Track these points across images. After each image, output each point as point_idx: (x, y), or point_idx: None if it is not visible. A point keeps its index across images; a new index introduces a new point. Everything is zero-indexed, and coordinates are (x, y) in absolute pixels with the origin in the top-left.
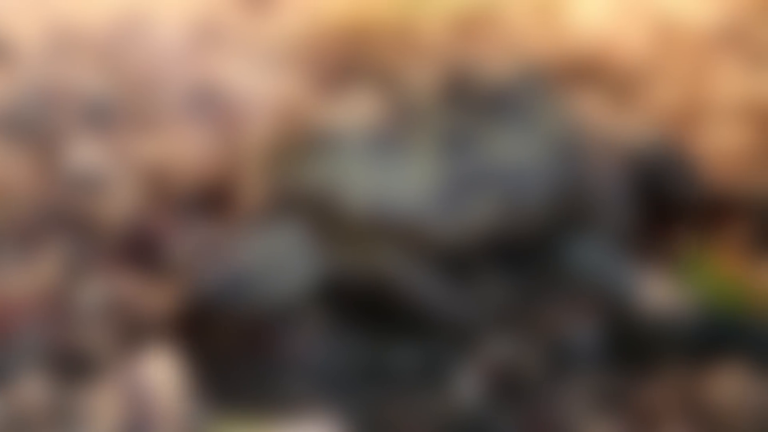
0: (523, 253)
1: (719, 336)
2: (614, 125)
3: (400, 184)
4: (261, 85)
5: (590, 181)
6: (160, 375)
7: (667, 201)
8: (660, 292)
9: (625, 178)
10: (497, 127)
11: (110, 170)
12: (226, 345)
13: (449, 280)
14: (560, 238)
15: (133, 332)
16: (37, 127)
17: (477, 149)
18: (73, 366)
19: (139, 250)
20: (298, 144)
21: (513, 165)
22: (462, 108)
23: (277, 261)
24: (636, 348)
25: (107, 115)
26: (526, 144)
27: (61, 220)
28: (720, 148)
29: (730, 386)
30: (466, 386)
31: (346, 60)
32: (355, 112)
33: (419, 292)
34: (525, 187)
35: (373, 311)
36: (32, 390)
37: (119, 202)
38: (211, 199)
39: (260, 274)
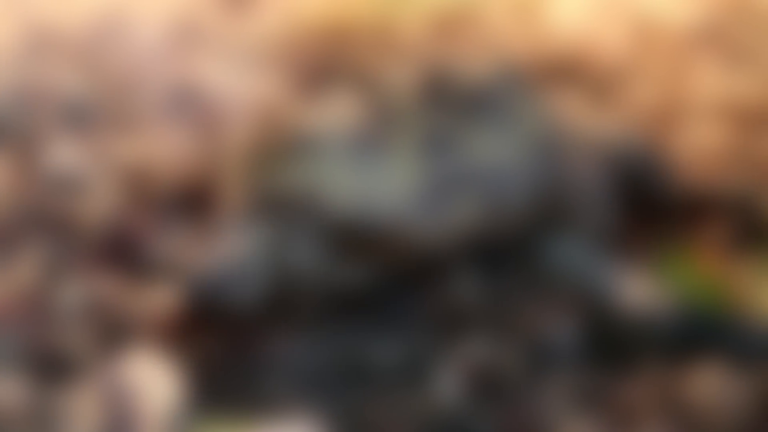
0: (504, 253)
1: (698, 334)
2: (593, 124)
3: (381, 186)
4: (240, 85)
5: (570, 180)
6: (141, 376)
7: (645, 200)
8: (639, 290)
9: (605, 178)
10: (477, 127)
11: (89, 171)
12: (208, 346)
13: (429, 281)
14: (540, 237)
15: (113, 333)
16: (16, 128)
17: (457, 150)
18: (52, 367)
19: (118, 251)
20: (278, 146)
21: (493, 165)
22: (442, 108)
23: (258, 263)
24: (615, 346)
25: (86, 115)
26: (506, 144)
27: (41, 221)
28: (698, 147)
29: (708, 384)
30: (446, 385)
31: (326, 60)
32: (334, 113)
33: (399, 292)
34: (505, 187)
35: (354, 313)
36: (11, 391)
37: (98, 203)
38: (191, 201)
39: (242, 276)
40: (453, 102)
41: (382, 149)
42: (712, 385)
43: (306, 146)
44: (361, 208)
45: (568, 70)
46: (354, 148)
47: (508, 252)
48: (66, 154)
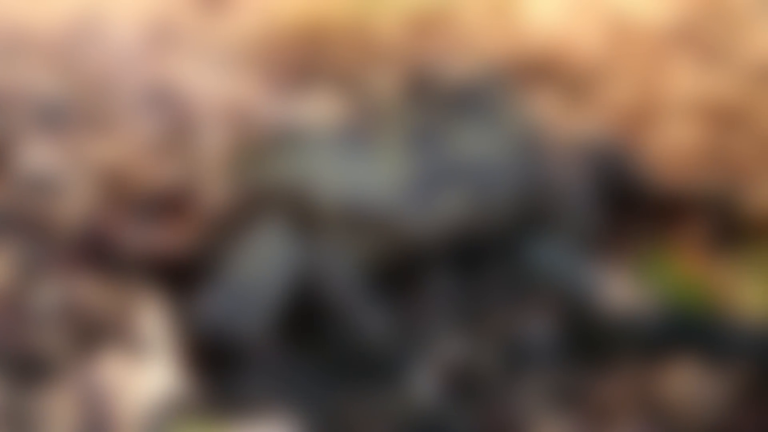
0: (483, 251)
1: (676, 333)
2: (570, 123)
3: (368, 181)
4: (217, 85)
5: (549, 178)
6: (118, 377)
7: (623, 198)
8: (618, 289)
9: (583, 176)
10: (457, 124)
11: (65, 172)
12: (188, 346)
13: (410, 279)
14: (520, 235)
15: (89, 334)
16: None
17: (440, 146)
18: (28, 368)
19: (95, 252)
20: (256, 145)
21: (475, 162)
22: (422, 106)
23: (246, 264)
24: (593, 345)
25: (62, 116)
26: (487, 141)
27: (16, 222)
28: (674, 145)
29: (685, 383)
30: (423, 385)
31: (303, 60)
32: (314, 111)
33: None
34: (486, 183)
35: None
36: None
37: (74, 203)
38: (168, 200)
39: (226, 277)
40: (434, 100)
41: (367, 146)
42: (688, 384)
43: (291, 144)
44: (351, 203)
45: (544, 70)
46: (340, 146)
47: (487, 250)
48: (41, 156)
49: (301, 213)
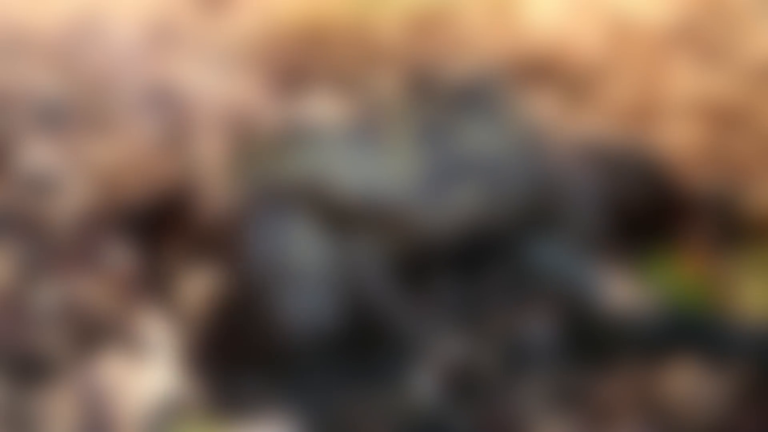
0: (487, 250)
1: (678, 333)
2: (571, 123)
3: (377, 178)
4: (217, 86)
5: (551, 177)
6: (117, 377)
7: (624, 198)
8: (620, 289)
9: (584, 176)
10: (460, 124)
11: (65, 172)
12: (190, 346)
13: (410, 280)
14: (523, 234)
15: (89, 335)
16: None
17: (442, 145)
18: (28, 368)
19: (93, 252)
20: (268, 143)
21: (477, 160)
22: (424, 105)
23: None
24: (594, 345)
25: (61, 116)
26: (488, 140)
27: (16, 222)
28: (675, 145)
29: (685, 383)
30: (424, 385)
31: (304, 60)
32: (317, 111)
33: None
34: (489, 182)
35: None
36: None
37: (73, 204)
38: (167, 200)
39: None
40: (434, 99)
41: (369, 146)
42: (688, 384)
43: (296, 144)
44: (361, 199)
45: (544, 69)
46: (343, 146)
47: (490, 249)
48: (40, 155)
49: (322, 210)
